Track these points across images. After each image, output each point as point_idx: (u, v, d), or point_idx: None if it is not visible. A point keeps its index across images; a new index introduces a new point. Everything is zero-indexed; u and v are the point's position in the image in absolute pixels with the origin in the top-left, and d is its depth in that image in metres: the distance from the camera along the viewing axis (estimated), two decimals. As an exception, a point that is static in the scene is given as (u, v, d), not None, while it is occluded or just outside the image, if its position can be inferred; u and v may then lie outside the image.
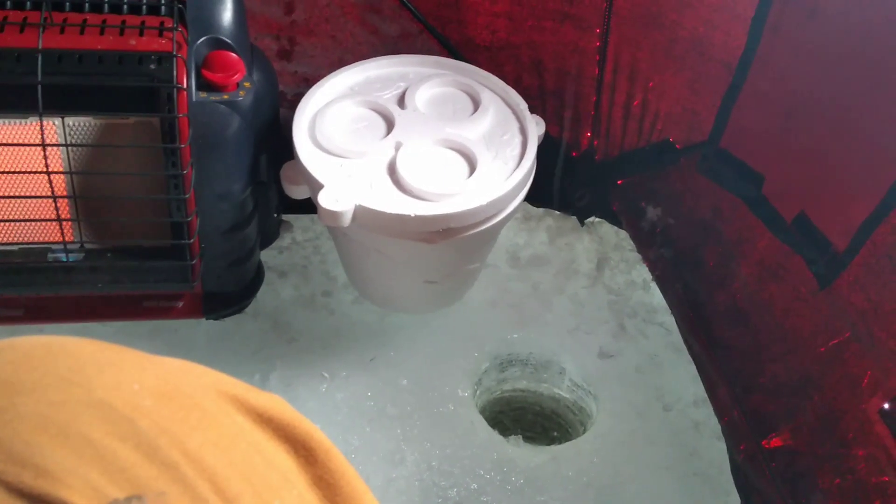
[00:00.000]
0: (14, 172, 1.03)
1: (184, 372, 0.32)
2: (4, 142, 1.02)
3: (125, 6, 1.03)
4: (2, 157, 1.04)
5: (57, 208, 1.06)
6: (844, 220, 1.00)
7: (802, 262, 1.06)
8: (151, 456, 0.27)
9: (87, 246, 1.12)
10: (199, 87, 1.05)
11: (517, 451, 1.26)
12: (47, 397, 0.27)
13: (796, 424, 1.07)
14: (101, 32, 1.00)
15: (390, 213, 1.07)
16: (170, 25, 1.02)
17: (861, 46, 0.97)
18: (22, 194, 1.05)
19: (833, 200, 1.03)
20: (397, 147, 1.14)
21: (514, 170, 1.14)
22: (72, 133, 1.04)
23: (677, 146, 1.29)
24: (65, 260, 1.11)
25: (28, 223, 1.08)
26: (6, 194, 1.05)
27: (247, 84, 1.08)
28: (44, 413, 0.27)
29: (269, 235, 1.37)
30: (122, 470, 0.26)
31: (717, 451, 1.26)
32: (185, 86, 1.02)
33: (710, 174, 1.24)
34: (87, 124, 1.04)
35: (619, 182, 1.42)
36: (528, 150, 1.17)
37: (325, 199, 1.06)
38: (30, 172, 1.03)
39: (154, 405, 0.29)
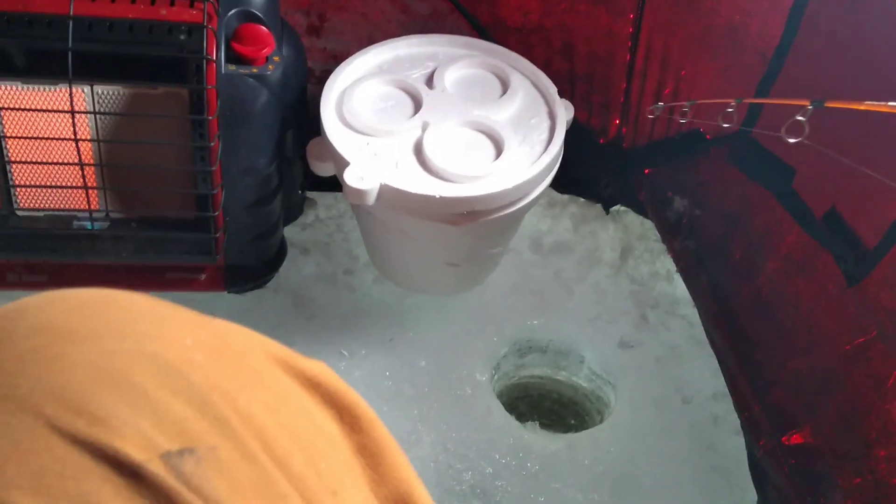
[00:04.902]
0: (42, 139, 1.04)
1: (234, 332, 0.32)
2: (34, 107, 1.03)
3: (157, -24, 1.03)
4: (31, 123, 1.04)
5: (84, 176, 1.06)
6: (876, 217, 0.98)
7: (831, 258, 1.05)
8: (203, 410, 0.27)
9: (113, 215, 1.12)
10: (229, 60, 1.05)
11: (533, 437, 1.26)
12: (102, 347, 0.27)
13: (817, 422, 1.05)
14: (133, 1, 1.00)
15: (415, 194, 1.06)
16: (201, -4, 1.01)
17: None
18: (50, 161, 1.06)
19: (865, 197, 1.02)
20: (424, 127, 1.14)
21: (541, 154, 1.13)
22: (100, 101, 1.04)
23: (707, 136, 1.27)
24: (90, 228, 1.11)
25: (54, 190, 1.09)
26: (34, 160, 1.06)
27: (276, 58, 1.07)
28: (98, 362, 0.27)
29: (293, 211, 1.37)
30: (174, 423, 0.26)
31: (735, 446, 1.25)
32: (214, 57, 1.01)
33: (739, 165, 1.22)
34: (116, 93, 1.04)
35: (646, 171, 1.40)
36: (555, 135, 1.15)
37: (350, 177, 1.05)
38: (57, 139, 1.04)
39: (206, 361, 0.29)
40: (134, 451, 0.25)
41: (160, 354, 0.28)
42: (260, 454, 0.27)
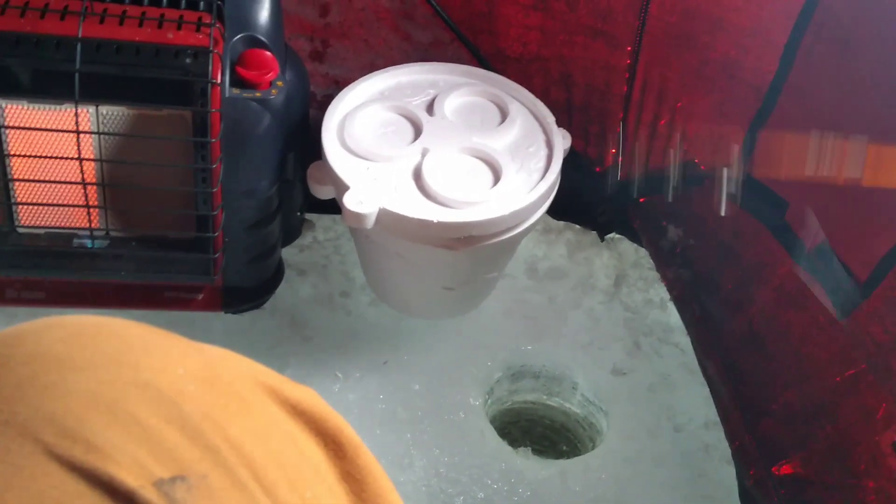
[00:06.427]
0: (46, 157, 1.05)
1: (224, 360, 0.32)
2: (39, 127, 1.04)
3: (165, 0, 1.05)
4: (35, 142, 1.05)
5: (86, 195, 1.07)
6: (866, 251, 1.00)
7: (822, 290, 1.06)
8: (195, 439, 0.28)
9: (113, 234, 1.13)
10: (233, 84, 1.06)
11: (525, 462, 1.27)
12: (97, 376, 0.28)
13: (807, 453, 1.06)
14: (140, 24, 1.02)
15: (413, 218, 1.07)
16: (208, 21, 1.03)
17: (894, 77, 0.97)
18: (52, 179, 1.07)
19: (856, 231, 1.03)
20: (424, 153, 1.15)
21: (538, 182, 1.15)
22: (105, 122, 1.06)
23: (702, 167, 1.29)
24: (90, 246, 1.12)
25: (56, 208, 1.10)
26: (36, 178, 1.07)
27: (279, 83, 1.09)
28: (94, 390, 0.28)
29: (291, 233, 1.38)
30: (167, 450, 0.27)
31: (726, 475, 1.25)
32: (219, 81, 1.03)
33: (733, 197, 1.24)
34: (121, 114, 1.05)
35: (641, 200, 1.42)
36: (552, 164, 1.17)
37: (349, 201, 1.07)
38: (61, 158, 1.05)
39: (197, 390, 0.29)
40: (128, 478, 0.26)
41: (153, 384, 0.29)
42: (249, 482, 0.28)
